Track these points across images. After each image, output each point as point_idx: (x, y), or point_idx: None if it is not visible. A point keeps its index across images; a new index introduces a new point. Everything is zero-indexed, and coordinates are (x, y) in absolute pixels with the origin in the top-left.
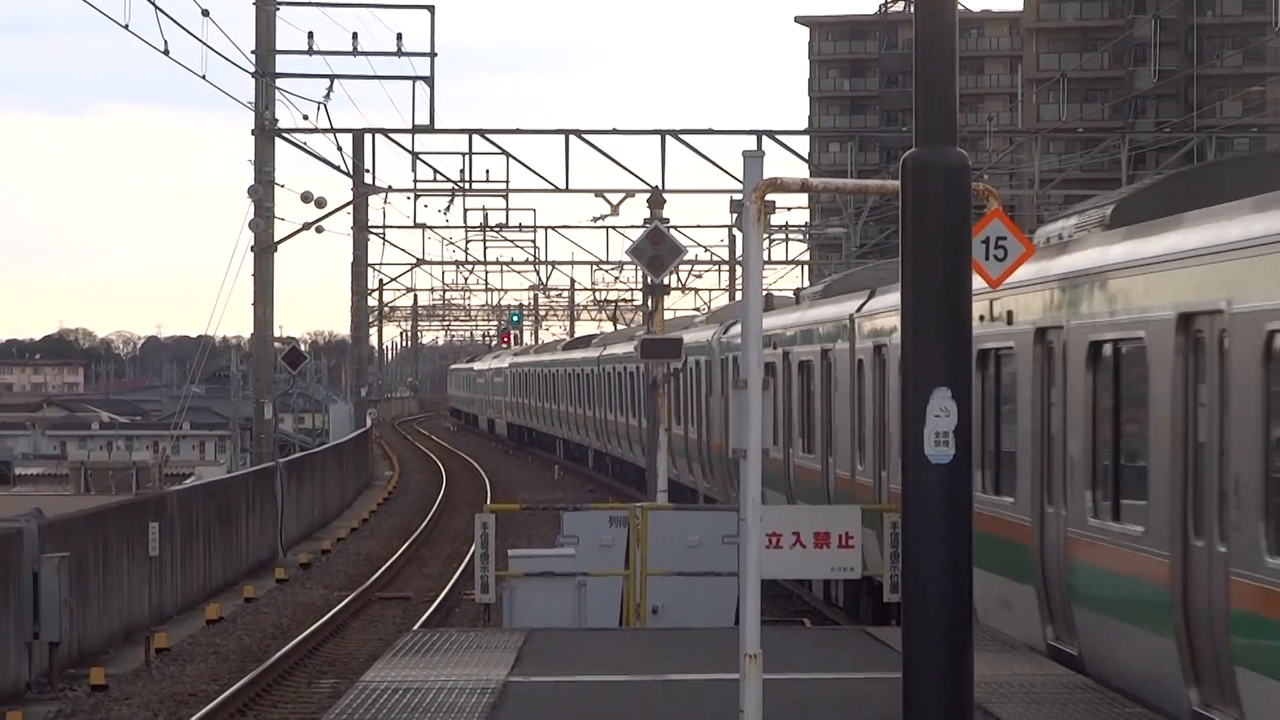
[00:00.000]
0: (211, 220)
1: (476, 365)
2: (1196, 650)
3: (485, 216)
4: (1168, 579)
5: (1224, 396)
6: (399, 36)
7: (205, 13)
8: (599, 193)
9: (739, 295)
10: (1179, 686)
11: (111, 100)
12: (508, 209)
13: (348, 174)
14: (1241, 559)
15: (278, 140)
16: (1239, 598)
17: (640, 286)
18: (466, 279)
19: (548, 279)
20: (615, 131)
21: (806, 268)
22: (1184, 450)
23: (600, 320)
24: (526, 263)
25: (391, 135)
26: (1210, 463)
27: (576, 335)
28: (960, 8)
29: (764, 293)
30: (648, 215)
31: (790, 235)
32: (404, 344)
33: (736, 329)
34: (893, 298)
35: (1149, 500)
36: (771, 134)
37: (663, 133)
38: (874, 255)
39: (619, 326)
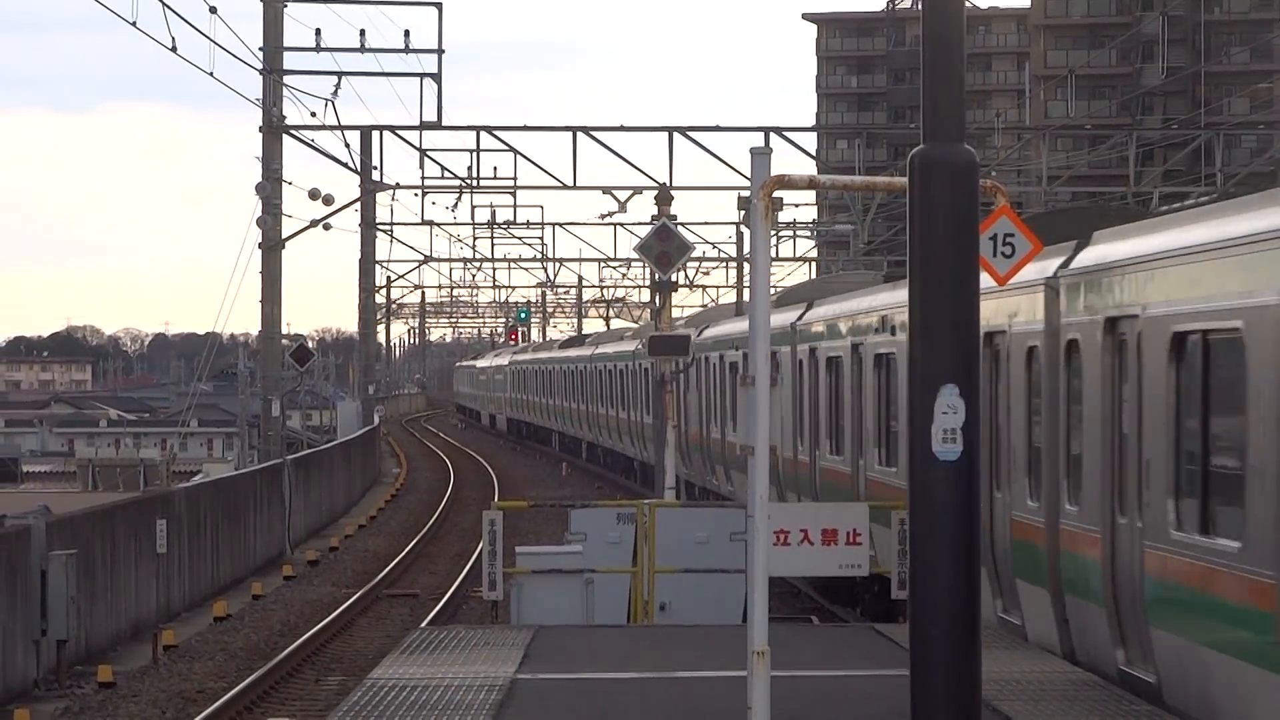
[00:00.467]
0: (219, 217)
1: (479, 363)
2: (1000, 572)
3: (493, 213)
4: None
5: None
6: (406, 33)
7: (213, 9)
8: (607, 190)
9: (747, 293)
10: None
11: (118, 97)
12: (515, 206)
13: (355, 171)
14: (1017, 504)
15: (285, 137)
16: (1016, 532)
17: (648, 283)
18: (474, 276)
19: (555, 276)
20: (623, 129)
21: (814, 264)
22: None
23: (609, 317)
24: (534, 260)
25: (399, 132)
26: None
27: (578, 333)
28: (968, 4)
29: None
30: (655, 212)
31: (798, 232)
32: (412, 341)
33: (709, 332)
34: (825, 309)
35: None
36: (779, 131)
37: (670, 130)
38: (882, 252)
39: (611, 326)
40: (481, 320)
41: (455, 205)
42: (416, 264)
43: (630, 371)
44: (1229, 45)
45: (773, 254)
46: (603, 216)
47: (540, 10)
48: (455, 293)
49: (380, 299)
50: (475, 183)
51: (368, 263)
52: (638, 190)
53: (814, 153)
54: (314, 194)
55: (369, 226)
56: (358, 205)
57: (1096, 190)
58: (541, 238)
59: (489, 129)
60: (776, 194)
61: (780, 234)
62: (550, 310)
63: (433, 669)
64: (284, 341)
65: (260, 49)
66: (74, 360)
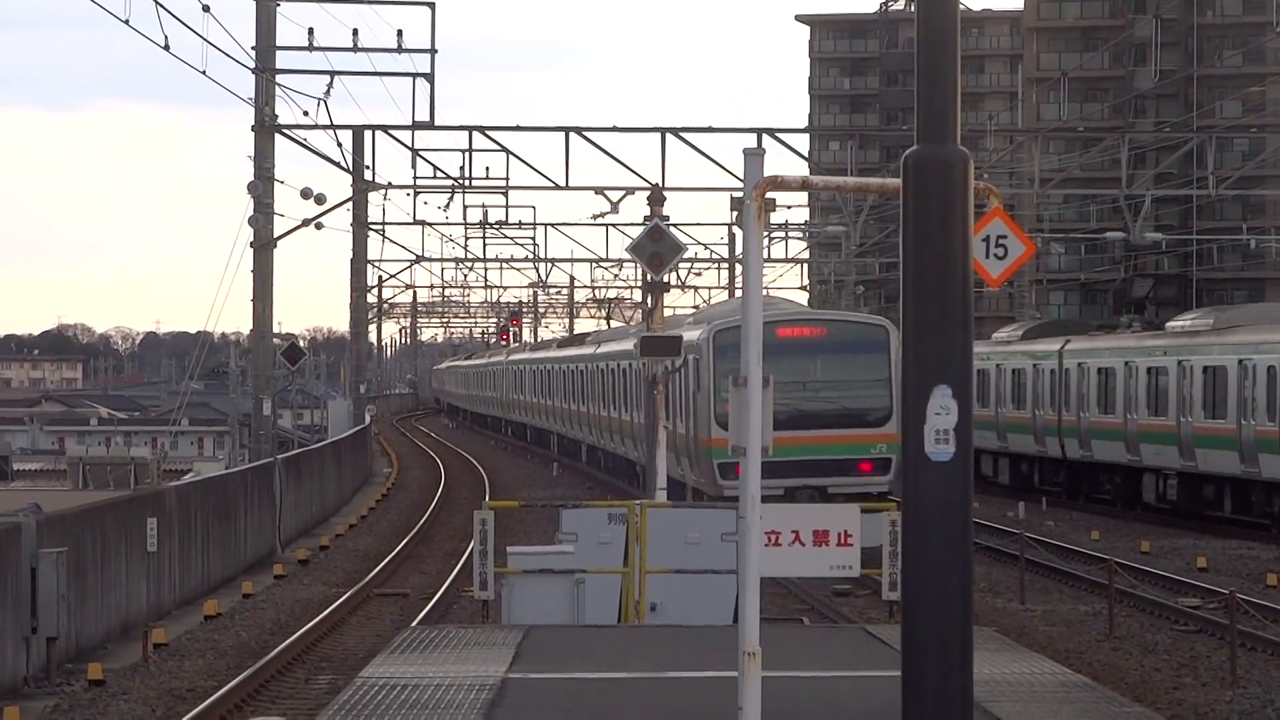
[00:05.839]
0: (211, 216)
1: (439, 367)
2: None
3: (485, 213)
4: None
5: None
6: (399, 33)
7: (206, 8)
8: (599, 190)
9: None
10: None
11: (111, 95)
12: (507, 206)
13: (348, 170)
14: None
15: (278, 136)
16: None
17: (640, 284)
18: (466, 276)
19: (547, 276)
20: (615, 129)
21: (806, 266)
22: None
23: (599, 318)
24: (526, 260)
25: (391, 132)
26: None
27: (484, 346)
28: (961, 6)
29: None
30: (648, 213)
31: (790, 233)
32: (403, 340)
33: (604, 348)
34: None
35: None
36: (772, 132)
37: (663, 130)
38: (874, 254)
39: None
40: (473, 320)
41: (447, 205)
42: (408, 264)
43: (505, 371)
44: (1221, 48)
45: (765, 255)
46: (595, 217)
47: (533, 10)
48: (447, 293)
49: (372, 298)
50: (467, 183)
51: (359, 262)
52: (630, 191)
53: (806, 154)
54: (306, 193)
55: (361, 226)
56: (350, 205)
57: (1089, 192)
58: (533, 238)
59: (481, 129)
60: (769, 195)
61: (772, 235)
62: (542, 311)
63: (423, 668)
64: (275, 340)
65: (253, 48)
66: (65, 358)
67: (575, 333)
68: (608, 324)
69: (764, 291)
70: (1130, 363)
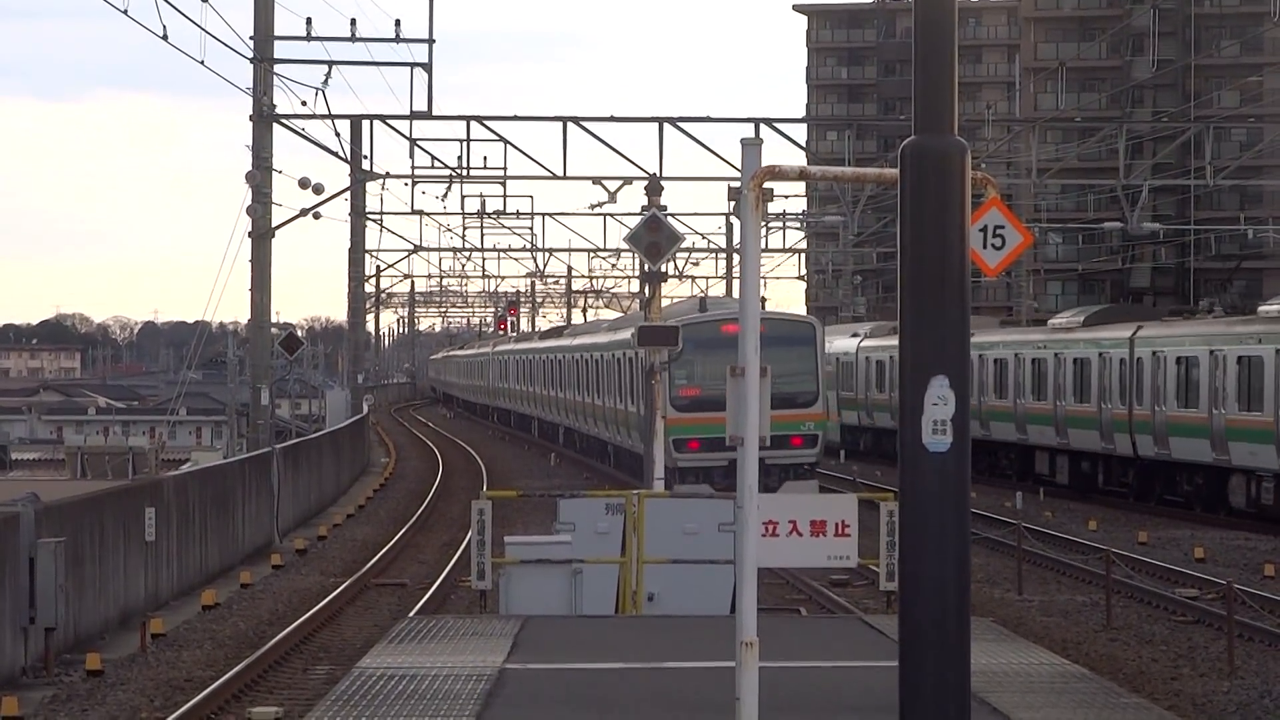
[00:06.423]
0: (209, 206)
1: (436, 356)
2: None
3: (483, 203)
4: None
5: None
6: (397, 23)
7: None
8: (597, 180)
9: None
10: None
11: (109, 86)
12: (505, 196)
13: (346, 160)
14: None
15: (276, 126)
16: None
17: (637, 274)
18: (464, 265)
19: (545, 266)
20: (613, 119)
21: (804, 256)
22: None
23: (597, 307)
24: (524, 250)
25: (389, 121)
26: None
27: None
28: None
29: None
30: (645, 203)
31: (788, 223)
32: (401, 330)
33: (578, 340)
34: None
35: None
36: (769, 122)
37: (661, 120)
38: (871, 243)
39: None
40: (471, 310)
41: (445, 195)
42: (406, 253)
43: (492, 362)
44: (1219, 38)
45: (762, 245)
46: (592, 207)
47: (531, 1)
48: (445, 282)
49: (370, 288)
50: (465, 172)
51: (357, 252)
52: (628, 180)
53: (804, 144)
54: (304, 183)
55: (359, 216)
56: (348, 194)
57: (1086, 182)
58: (531, 228)
59: (479, 119)
60: (767, 185)
61: (770, 225)
62: (540, 300)
63: (421, 658)
64: (273, 330)
65: (251, 37)
66: (63, 348)
67: (553, 327)
68: (584, 316)
69: (761, 284)
70: (1216, 351)
